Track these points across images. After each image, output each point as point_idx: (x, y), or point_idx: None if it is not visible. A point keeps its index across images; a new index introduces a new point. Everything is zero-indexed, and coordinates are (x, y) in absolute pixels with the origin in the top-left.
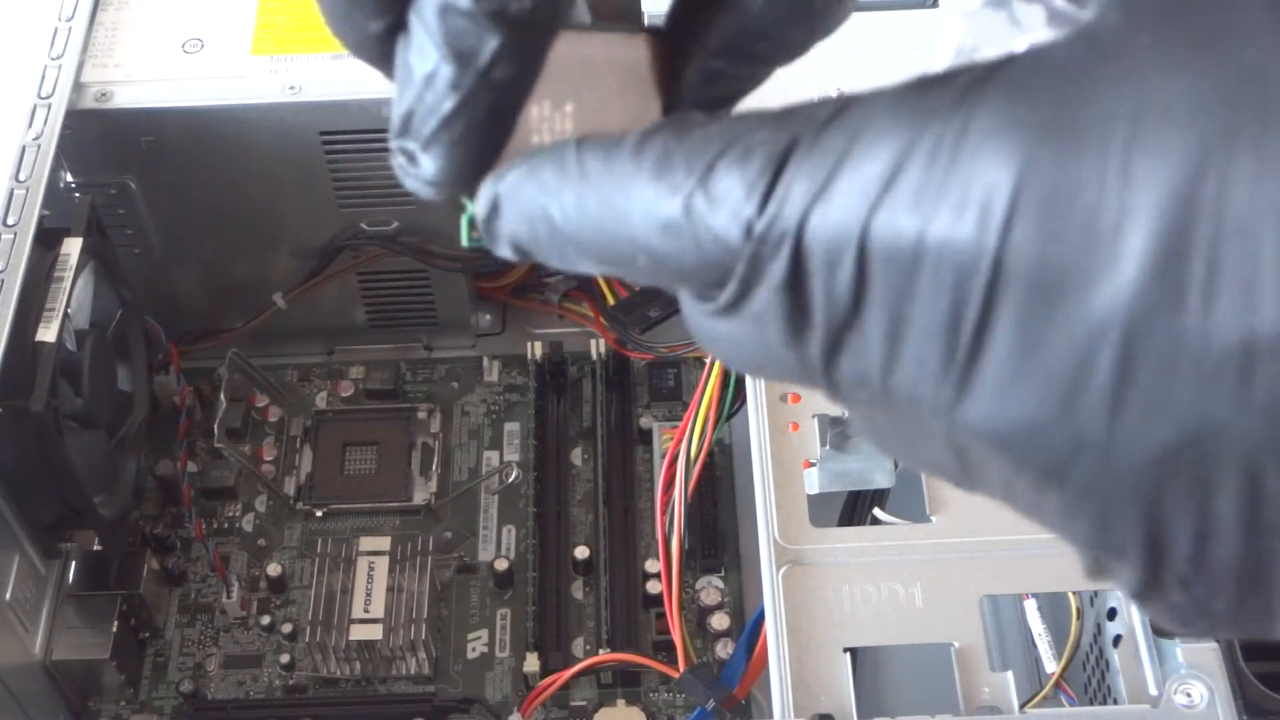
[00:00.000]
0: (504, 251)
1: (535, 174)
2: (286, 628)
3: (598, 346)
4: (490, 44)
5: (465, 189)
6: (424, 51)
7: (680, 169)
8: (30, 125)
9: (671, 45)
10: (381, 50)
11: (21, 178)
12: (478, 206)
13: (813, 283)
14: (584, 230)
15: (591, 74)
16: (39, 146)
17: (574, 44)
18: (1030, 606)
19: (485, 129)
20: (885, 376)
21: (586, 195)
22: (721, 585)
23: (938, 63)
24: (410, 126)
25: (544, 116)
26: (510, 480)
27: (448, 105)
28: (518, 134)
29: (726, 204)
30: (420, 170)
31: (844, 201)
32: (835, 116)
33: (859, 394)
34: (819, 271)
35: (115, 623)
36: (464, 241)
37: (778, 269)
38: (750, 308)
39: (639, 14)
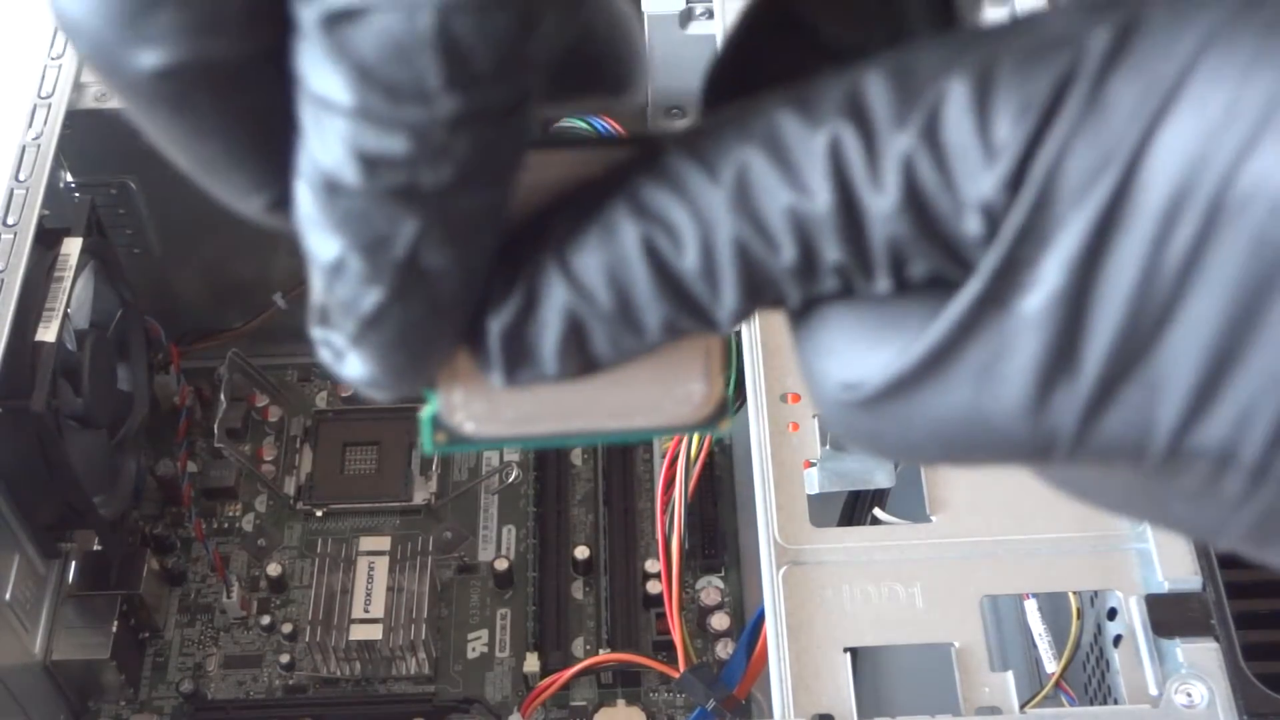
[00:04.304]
0: (550, 366)
1: (601, 232)
2: (286, 628)
3: None
4: (407, 229)
5: (414, 389)
6: (319, 235)
7: (885, 114)
8: (30, 125)
9: None
10: (285, 219)
11: (21, 178)
12: (501, 309)
13: (1117, 260)
14: (722, 241)
15: None
16: (39, 146)
17: (575, 166)
18: (1030, 606)
19: (429, 327)
20: (1190, 427)
21: (712, 215)
22: (721, 585)
23: None
24: (329, 318)
25: None
26: (510, 480)
27: (367, 305)
28: None
29: (968, 163)
30: (349, 371)
31: (1193, 129)
32: (1124, 42)
33: (1116, 457)
34: (1148, 230)
35: (115, 623)
36: (426, 448)
37: (1071, 239)
38: (991, 333)
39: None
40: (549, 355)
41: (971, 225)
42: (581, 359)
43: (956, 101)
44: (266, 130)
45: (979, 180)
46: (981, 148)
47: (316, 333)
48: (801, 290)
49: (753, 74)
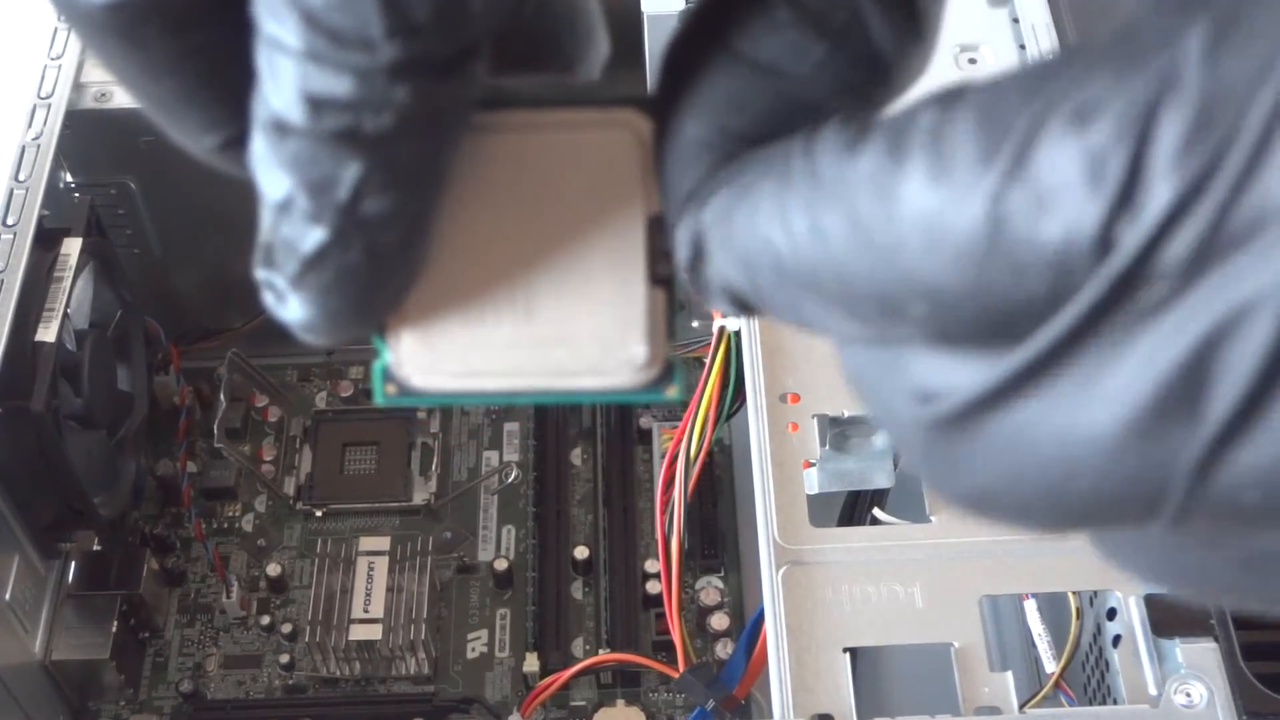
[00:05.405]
0: (717, 304)
1: (747, 191)
2: (286, 628)
3: None
4: (349, 171)
5: (349, 337)
6: (270, 173)
7: (968, 155)
8: (30, 125)
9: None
10: (235, 161)
11: (21, 178)
12: (678, 250)
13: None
14: (824, 267)
15: (549, 171)
16: (39, 146)
17: (523, 130)
18: (1030, 606)
19: (367, 274)
20: None
21: (825, 213)
22: (721, 585)
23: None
24: (272, 258)
25: (475, 236)
26: (510, 480)
27: (309, 244)
28: (438, 265)
29: (1067, 195)
30: (289, 314)
31: None
32: (1220, 41)
33: (1239, 517)
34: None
35: (115, 623)
36: (378, 399)
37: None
38: (1109, 340)
39: (640, 85)
40: (720, 300)
41: (1069, 245)
42: (747, 312)
43: (1051, 131)
44: (219, 72)
45: (1087, 200)
46: (1087, 167)
47: (261, 274)
48: (891, 327)
49: (714, 46)
